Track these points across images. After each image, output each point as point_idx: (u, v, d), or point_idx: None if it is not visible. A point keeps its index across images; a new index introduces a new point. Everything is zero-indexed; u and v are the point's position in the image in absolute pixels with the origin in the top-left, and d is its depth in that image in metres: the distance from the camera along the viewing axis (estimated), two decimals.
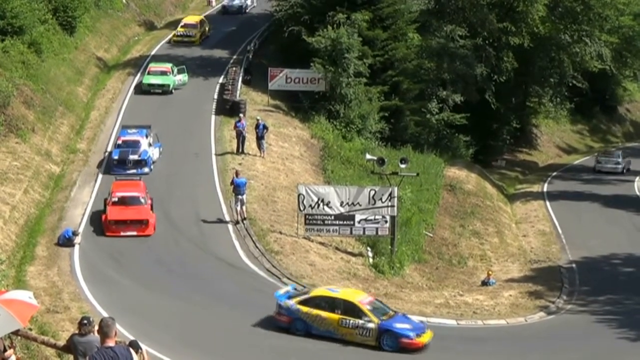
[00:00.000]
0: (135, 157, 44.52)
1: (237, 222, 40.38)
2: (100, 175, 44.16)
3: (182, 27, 69.01)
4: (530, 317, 37.01)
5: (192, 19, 71.54)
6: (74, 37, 60.80)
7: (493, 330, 35.04)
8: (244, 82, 58.19)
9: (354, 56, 54.49)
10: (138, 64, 62.22)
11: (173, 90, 56.37)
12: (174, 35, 68.46)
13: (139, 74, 59.20)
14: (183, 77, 57.75)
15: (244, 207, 40.71)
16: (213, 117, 53.36)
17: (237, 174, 41.41)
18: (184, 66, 58.93)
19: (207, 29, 70.44)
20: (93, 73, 59.90)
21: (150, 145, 45.70)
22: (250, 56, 63.16)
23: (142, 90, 56.33)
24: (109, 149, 47.04)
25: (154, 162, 45.40)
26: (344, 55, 54.11)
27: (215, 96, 56.37)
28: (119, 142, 45.73)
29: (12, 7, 51.42)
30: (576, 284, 42.30)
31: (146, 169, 44.51)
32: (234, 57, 63.98)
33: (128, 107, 54.08)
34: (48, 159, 45.07)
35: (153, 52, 65.48)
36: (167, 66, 57.97)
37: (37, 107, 48.07)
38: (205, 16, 74.71)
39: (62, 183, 43.51)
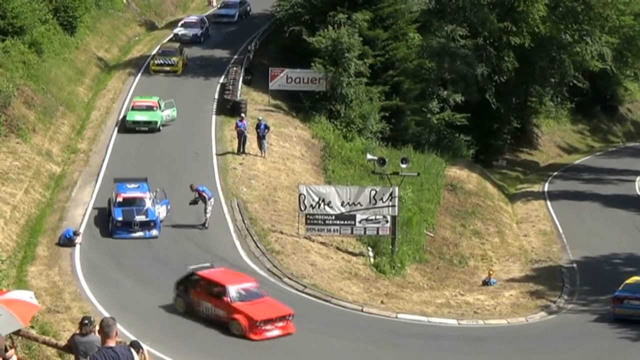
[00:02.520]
0: (142, 217, 38.21)
1: (204, 225, 39.68)
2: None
3: (160, 54, 61.36)
4: (531, 316, 37.05)
5: (170, 44, 64.24)
6: (74, 37, 60.75)
7: (494, 330, 35.05)
8: (245, 82, 58.14)
9: (354, 56, 54.45)
10: (139, 64, 62.14)
11: (161, 128, 50.56)
12: (153, 64, 60.44)
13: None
14: (172, 112, 51.71)
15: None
16: (214, 117, 53.34)
17: (192, 187, 39.99)
18: (172, 100, 52.40)
19: (186, 56, 62.32)
20: (94, 73, 59.86)
21: (154, 203, 39.46)
22: (251, 56, 63.07)
23: (126, 128, 50.46)
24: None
25: (161, 222, 39.11)
26: (345, 55, 54.09)
27: (216, 96, 56.33)
28: (119, 199, 38.74)
29: (12, 7, 51.39)
30: (577, 283, 42.31)
31: (154, 232, 38.32)
32: (235, 57, 63.86)
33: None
34: (49, 159, 45.05)
35: (153, 52, 65.29)
36: (153, 100, 51.80)
37: (38, 107, 48.06)
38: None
39: (62, 183, 43.49)
